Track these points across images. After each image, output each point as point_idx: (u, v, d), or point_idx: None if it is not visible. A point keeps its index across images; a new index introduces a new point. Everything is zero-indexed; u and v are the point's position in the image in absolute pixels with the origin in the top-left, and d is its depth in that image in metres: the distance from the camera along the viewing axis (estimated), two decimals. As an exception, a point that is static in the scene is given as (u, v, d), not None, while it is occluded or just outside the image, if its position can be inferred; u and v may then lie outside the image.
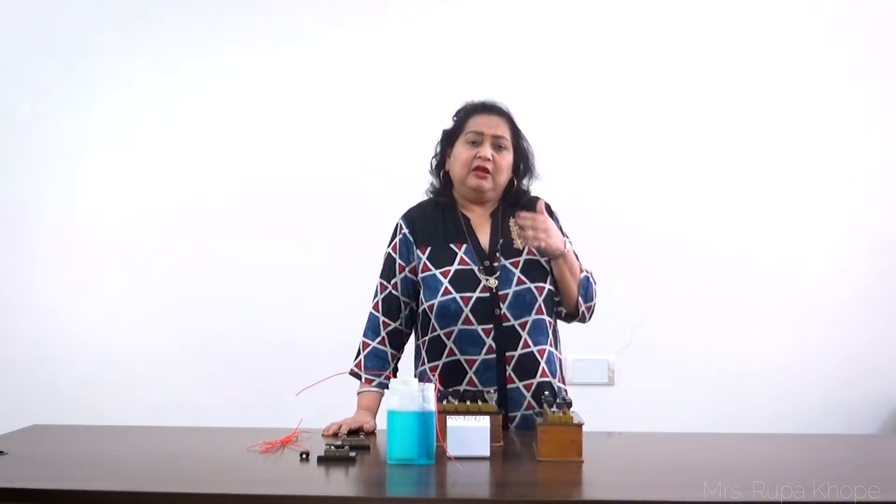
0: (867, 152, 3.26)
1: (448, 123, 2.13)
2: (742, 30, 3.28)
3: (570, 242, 2.08)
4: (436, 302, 1.98)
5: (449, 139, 2.11)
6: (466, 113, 2.10)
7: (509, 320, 1.96)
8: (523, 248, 2.02)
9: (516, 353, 1.96)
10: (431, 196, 2.15)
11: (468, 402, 1.75)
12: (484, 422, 1.65)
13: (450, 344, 1.98)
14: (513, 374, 1.96)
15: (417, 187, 2.15)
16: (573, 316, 2.09)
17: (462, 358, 1.97)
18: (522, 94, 3.03)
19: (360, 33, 3.31)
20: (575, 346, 2.91)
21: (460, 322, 1.96)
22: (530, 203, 2.09)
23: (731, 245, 3.24)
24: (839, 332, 3.22)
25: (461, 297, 1.96)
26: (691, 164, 3.27)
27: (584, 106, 3.26)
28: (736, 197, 3.26)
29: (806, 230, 3.25)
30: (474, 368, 1.96)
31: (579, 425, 1.63)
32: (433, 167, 2.15)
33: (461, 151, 2.05)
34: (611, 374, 3.24)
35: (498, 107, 2.10)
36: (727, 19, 3.29)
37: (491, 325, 1.96)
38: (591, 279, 2.08)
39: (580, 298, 2.03)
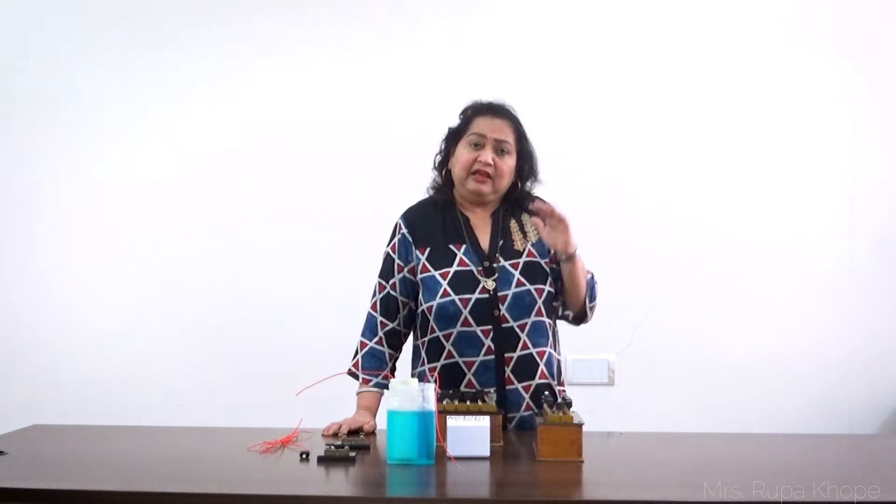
0: (867, 152, 3.26)
1: (451, 124, 2.10)
2: (743, 29, 3.27)
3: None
4: (434, 303, 1.97)
5: (453, 137, 2.07)
6: (472, 113, 2.06)
7: (508, 322, 1.95)
8: (523, 250, 2.01)
9: (515, 355, 1.95)
10: (433, 192, 2.12)
11: (468, 402, 1.75)
12: (484, 422, 1.65)
13: (448, 346, 1.97)
14: (511, 376, 1.95)
15: (418, 187, 2.14)
16: (579, 318, 2.08)
17: (460, 360, 1.96)
18: (520, 91, 3.04)
19: (367, 34, 3.30)
20: (575, 346, 2.90)
21: (459, 324, 1.95)
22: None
23: (732, 245, 3.24)
24: (839, 331, 3.21)
25: (460, 299, 1.95)
26: (691, 165, 3.26)
27: (585, 107, 3.25)
28: (736, 197, 3.26)
29: (806, 229, 3.25)
30: (473, 370, 1.95)
31: (579, 425, 1.63)
32: (436, 164, 2.12)
33: (462, 153, 2.02)
34: (611, 374, 3.24)
35: (504, 109, 2.06)
36: (729, 19, 3.28)
37: (490, 327, 1.94)
38: (594, 279, 2.07)
39: (587, 299, 2.03)
